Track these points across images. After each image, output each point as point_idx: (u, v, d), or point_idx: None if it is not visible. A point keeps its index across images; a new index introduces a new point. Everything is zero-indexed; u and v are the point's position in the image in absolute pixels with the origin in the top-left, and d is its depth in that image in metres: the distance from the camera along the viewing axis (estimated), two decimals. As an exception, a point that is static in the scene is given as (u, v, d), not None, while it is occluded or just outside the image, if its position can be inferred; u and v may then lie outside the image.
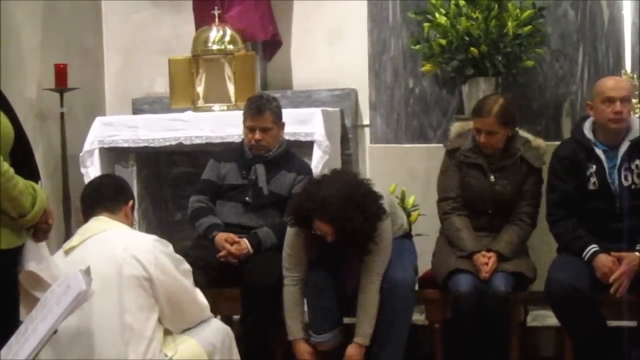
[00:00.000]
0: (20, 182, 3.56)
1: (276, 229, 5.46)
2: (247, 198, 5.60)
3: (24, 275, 3.76)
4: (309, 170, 5.82)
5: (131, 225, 4.42)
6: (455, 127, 5.69)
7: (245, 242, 5.45)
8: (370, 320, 5.11)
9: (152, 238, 4.23)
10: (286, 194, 5.55)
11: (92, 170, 6.67)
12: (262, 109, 5.59)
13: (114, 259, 4.08)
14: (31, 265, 3.75)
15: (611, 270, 4.92)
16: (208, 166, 5.79)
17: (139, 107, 7.60)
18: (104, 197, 4.37)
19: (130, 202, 4.45)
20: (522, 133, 5.51)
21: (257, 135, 5.58)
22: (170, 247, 4.26)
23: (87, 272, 3.60)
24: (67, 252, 4.21)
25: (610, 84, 5.16)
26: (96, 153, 6.72)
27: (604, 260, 4.96)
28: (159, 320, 4.12)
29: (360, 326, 5.13)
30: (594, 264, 4.97)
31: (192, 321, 4.29)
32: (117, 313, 4.03)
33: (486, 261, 5.17)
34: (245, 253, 5.43)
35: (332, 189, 4.90)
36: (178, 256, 4.27)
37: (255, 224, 5.56)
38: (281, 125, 5.73)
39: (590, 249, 5.01)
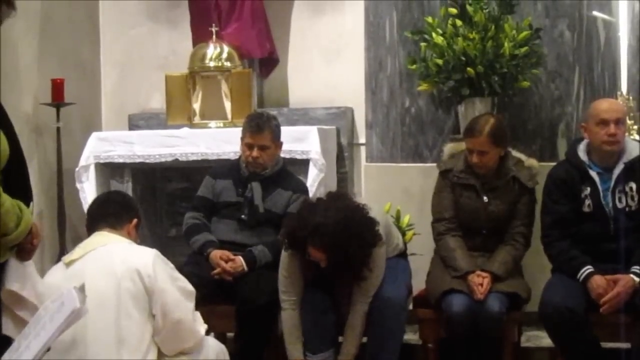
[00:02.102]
0: (7, 202, 3.50)
1: (271, 247, 5.45)
2: (242, 216, 5.59)
3: (5, 294, 3.73)
4: (304, 188, 5.82)
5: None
6: (448, 148, 5.71)
7: (240, 260, 5.44)
8: (356, 340, 5.13)
9: (152, 252, 4.24)
10: (282, 212, 5.55)
11: (87, 185, 6.67)
12: (262, 127, 5.59)
13: (112, 273, 4.09)
14: (13, 284, 3.70)
15: (605, 291, 4.93)
16: (204, 183, 5.79)
17: (135, 123, 7.60)
18: (109, 212, 4.40)
19: (135, 221, 4.47)
20: (515, 153, 5.52)
21: (255, 153, 5.58)
22: (171, 265, 4.27)
23: (81, 289, 3.58)
24: (67, 265, 4.22)
25: (604, 107, 5.17)
26: (92, 168, 6.72)
27: (599, 281, 4.96)
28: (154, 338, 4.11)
29: (346, 345, 5.17)
30: (589, 285, 4.98)
31: (186, 343, 4.26)
32: (112, 326, 4.03)
33: (481, 281, 5.17)
34: (240, 271, 5.42)
35: (327, 216, 4.89)
36: (179, 275, 4.28)
37: (250, 242, 5.55)
38: (279, 145, 5.73)
39: (585, 270, 5.01)
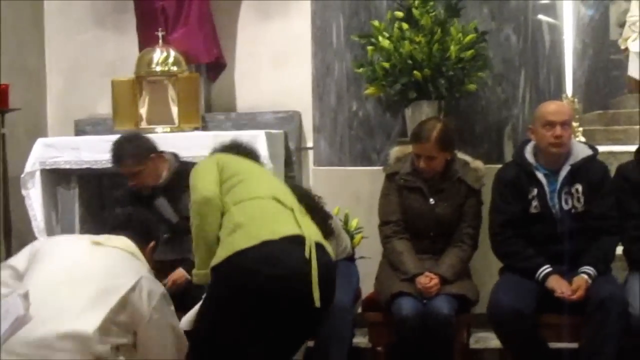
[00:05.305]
0: None
1: None
2: (165, 235, 5.40)
3: None
4: None
5: (148, 264, 4.30)
6: (394, 151, 5.72)
7: (180, 270, 5.40)
8: None
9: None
10: None
11: (33, 192, 6.61)
12: (117, 160, 5.56)
13: (112, 267, 4.04)
14: None
15: (567, 288, 4.95)
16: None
17: (81, 129, 7.55)
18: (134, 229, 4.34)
19: (152, 243, 4.42)
20: (461, 155, 5.55)
21: (131, 182, 5.58)
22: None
23: (25, 296, 3.56)
24: (93, 243, 4.15)
25: (550, 109, 5.21)
26: (37, 175, 6.66)
27: (560, 280, 4.99)
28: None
29: None
30: (548, 285, 5.01)
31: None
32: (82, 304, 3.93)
33: (429, 282, 5.19)
34: (185, 280, 5.35)
35: None
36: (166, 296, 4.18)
37: (180, 255, 5.46)
38: (152, 159, 5.59)
39: (544, 270, 5.04)
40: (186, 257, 5.29)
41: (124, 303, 3.93)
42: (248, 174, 4.45)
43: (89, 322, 3.83)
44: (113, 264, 4.07)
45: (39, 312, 3.81)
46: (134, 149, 5.59)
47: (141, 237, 4.33)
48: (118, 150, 5.60)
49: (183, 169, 5.64)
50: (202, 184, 4.32)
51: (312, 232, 4.19)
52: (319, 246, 4.14)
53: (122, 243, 4.20)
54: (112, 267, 4.05)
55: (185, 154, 5.85)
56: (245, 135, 6.47)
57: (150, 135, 5.88)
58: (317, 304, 4.02)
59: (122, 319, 3.93)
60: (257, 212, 4.22)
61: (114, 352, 3.92)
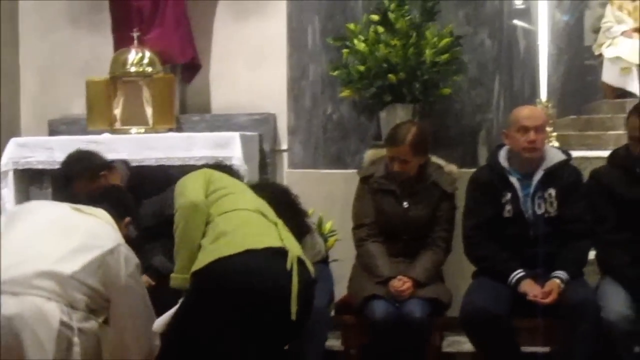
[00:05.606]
0: None
1: (169, 252, 5.25)
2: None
3: None
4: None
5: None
6: (369, 154, 5.73)
7: (144, 277, 5.34)
8: None
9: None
10: (159, 215, 5.33)
11: (5, 192, 6.57)
12: (68, 182, 5.52)
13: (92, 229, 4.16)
14: None
15: (540, 292, 4.96)
16: None
17: (55, 129, 7.50)
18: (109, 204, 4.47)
19: (127, 219, 4.55)
20: (435, 159, 5.56)
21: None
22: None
23: None
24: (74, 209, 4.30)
25: (525, 113, 5.22)
26: (10, 174, 6.63)
27: (532, 284, 5.01)
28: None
29: None
30: (520, 289, 5.01)
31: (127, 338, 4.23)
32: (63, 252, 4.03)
33: (402, 286, 5.19)
34: (149, 287, 5.28)
35: (264, 190, 4.84)
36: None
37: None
38: (103, 176, 5.52)
39: (517, 274, 5.05)
40: (149, 264, 5.28)
41: (102, 263, 4.06)
42: (234, 188, 4.50)
43: (68, 266, 3.96)
44: (93, 227, 4.20)
45: (21, 254, 3.94)
46: (84, 170, 5.52)
47: (117, 212, 4.45)
48: (68, 171, 5.55)
49: (136, 176, 5.61)
50: (189, 190, 4.36)
51: (294, 247, 4.23)
52: (300, 261, 4.17)
53: (100, 213, 4.33)
54: (92, 229, 4.18)
55: (159, 155, 5.82)
56: (220, 137, 6.48)
57: (97, 149, 5.84)
58: (294, 317, 4.04)
59: (98, 276, 4.03)
60: (241, 222, 4.26)
61: (85, 314, 3.97)
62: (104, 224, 4.28)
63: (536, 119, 5.19)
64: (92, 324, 4.03)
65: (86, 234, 4.13)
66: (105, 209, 4.39)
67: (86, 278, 3.98)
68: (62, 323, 3.88)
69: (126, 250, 4.19)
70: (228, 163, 6.30)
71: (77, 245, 4.05)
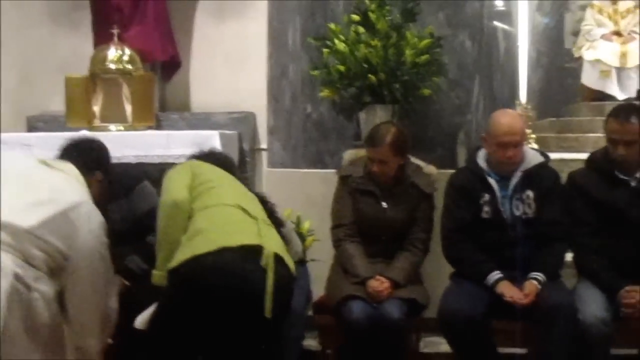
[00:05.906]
0: None
1: (142, 252, 5.24)
2: None
3: None
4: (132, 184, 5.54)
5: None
6: (348, 154, 5.74)
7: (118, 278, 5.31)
8: None
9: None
10: (129, 219, 5.32)
11: (-17, 189, 6.52)
12: None
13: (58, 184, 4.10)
14: None
15: (517, 293, 4.97)
16: None
17: (34, 125, 7.48)
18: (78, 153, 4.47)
19: (99, 175, 4.52)
20: (414, 160, 5.56)
21: None
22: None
23: None
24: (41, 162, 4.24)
25: (503, 129, 5.12)
26: (-12, 171, 6.58)
27: (510, 285, 5.01)
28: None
29: None
30: (498, 290, 5.02)
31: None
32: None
33: (379, 286, 5.19)
34: (124, 286, 5.25)
35: None
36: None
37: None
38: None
39: (494, 276, 5.06)
40: (124, 266, 5.19)
41: (64, 217, 3.95)
42: (219, 182, 4.49)
43: (26, 219, 3.84)
44: (59, 182, 4.13)
45: None
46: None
47: (87, 167, 4.40)
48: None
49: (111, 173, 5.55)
50: (173, 187, 4.36)
51: (273, 244, 4.22)
52: (278, 258, 4.16)
53: (68, 168, 4.27)
54: (57, 184, 4.11)
55: (138, 153, 5.80)
56: (199, 136, 6.47)
57: None
58: (268, 314, 4.04)
59: (59, 233, 3.91)
60: (219, 219, 4.26)
61: (42, 275, 3.87)
62: (71, 179, 4.21)
63: (514, 134, 5.12)
64: (49, 288, 3.87)
65: (50, 188, 4.04)
66: (75, 163, 4.33)
67: (45, 234, 3.86)
68: (16, 276, 3.73)
69: (90, 208, 4.09)
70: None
71: (38, 199, 3.95)
